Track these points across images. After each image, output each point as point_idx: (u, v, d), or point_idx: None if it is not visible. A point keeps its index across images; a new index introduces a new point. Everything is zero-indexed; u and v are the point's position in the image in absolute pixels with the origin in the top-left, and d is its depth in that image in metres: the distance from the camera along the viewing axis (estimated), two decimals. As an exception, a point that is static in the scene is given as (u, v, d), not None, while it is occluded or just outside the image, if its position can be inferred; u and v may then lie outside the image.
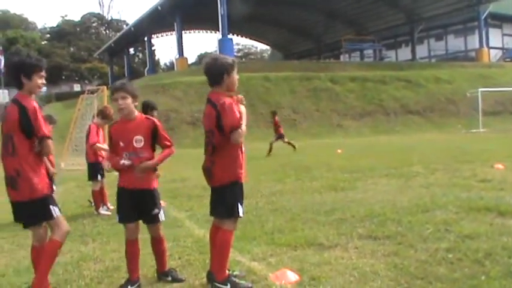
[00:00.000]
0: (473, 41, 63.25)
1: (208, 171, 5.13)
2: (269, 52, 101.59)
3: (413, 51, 66.30)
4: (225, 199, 5.05)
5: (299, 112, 36.53)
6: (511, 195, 8.85)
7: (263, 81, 39.03)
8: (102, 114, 10.06)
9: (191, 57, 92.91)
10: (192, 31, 75.24)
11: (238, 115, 4.93)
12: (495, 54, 66.05)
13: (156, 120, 5.35)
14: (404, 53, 70.09)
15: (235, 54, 75.33)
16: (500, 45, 69.70)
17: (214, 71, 5.03)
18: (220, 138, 4.95)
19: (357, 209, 8.36)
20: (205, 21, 60.41)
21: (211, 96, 5.08)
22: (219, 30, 50.77)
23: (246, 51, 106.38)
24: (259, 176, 13.77)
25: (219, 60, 5.04)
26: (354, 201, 9.21)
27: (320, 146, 25.51)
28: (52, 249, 4.92)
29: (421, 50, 69.08)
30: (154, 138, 5.23)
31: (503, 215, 7.39)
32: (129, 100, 5.11)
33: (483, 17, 59.04)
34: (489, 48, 61.80)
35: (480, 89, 34.44)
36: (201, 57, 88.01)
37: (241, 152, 5.14)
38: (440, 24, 66.65)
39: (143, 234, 5.33)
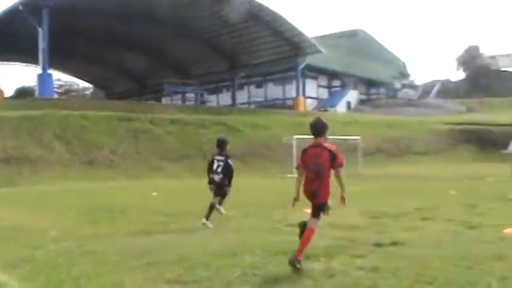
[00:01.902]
0: (291, 90, 66.30)
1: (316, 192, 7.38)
2: (91, 90, 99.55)
3: (233, 97, 67.91)
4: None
5: (118, 153, 35.89)
6: (315, 238, 9.23)
7: (81, 119, 37.95)
8: None
9: (8, 90, 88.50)
10: (10, 63, 71.75)
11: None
12: (311, 103, 69.60)
13: None
14: (225, 98, 71.69)
15: (56, 90, 72.83)
16: (315, 95, 73.73)
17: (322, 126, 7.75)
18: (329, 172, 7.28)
19: (168, 253, 8.28)
20: (25, 53, 57.96)
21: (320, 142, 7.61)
22: (39, 64, 48.94)
23: (67, 87, 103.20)
24: (72, 217, 13.32)
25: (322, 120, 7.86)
26: (166, 245, 9.11)
27: (138, 188, 25.18)
28: None
29: (242, 96, 71.08)
30: None
31: (308, 259, 7.65)
32: None
33: (300, 68, 62.05)
34: (305, 97, 65.05)
35: (295, 136, 35.83)
36: (19, 91, 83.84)
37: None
38: (261, 72, 69.10)
39: None
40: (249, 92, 73.84)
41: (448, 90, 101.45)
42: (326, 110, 66.23)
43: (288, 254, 7.85)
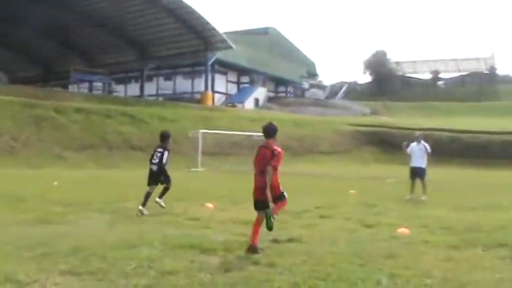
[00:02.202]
0: (200, 84, 66.08)
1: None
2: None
3: (141, 88, 67.01)
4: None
5: (19, 140, 34.69)
6: (215, 233, 9.30)
7: (-21, 104, 36.50)
8: None
9: None
10: None
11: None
12: (219, 98, 69.71)
13: None
14: (134, 89, 70.63)
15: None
16: (224, 91, 73.83)
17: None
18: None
19: (64, 244, 8.09)
20: None
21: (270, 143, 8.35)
22: None
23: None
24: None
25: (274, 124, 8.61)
26: (62, 236, 8.92)
27: (38, 177, 24.44)
28: None
29: (150, 88, 70.29)
30: None
31: (205, 252, 7.72)
32: None
33: (210, 63, 62.00)
34: (214, 92, 65.07)
35: (201, 130, 35.88)
36: None
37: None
38: (171, 64, 68.59)
39: None
40: (157, 84, 73.13)
41: (354, 92, 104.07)
42: (234, 106, 66.49)
43: (185, 248, 7.90)
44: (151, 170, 13.10)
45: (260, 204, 8.03)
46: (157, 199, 12.82)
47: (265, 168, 7.96)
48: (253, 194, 8.24)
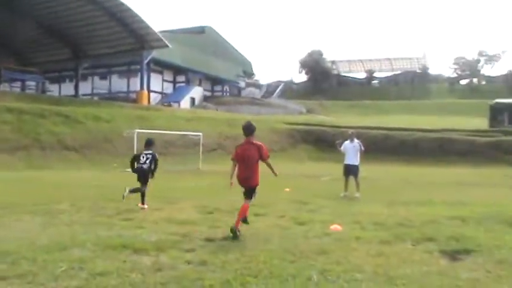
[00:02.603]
0: (136, 83, 65.52)
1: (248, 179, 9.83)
2: None
3: (76, 88, 65.94)
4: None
5: None
6: (148, 233, 9.24)
7: None
8: None
9: None
10: None
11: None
12: (155, 98, 69.27)
13: None
14: (68, 89, 69.59)
15: None
16: (160, 90, 73.45)
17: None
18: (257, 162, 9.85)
19: (-9, 247, 7.92)
20: None
21: (250, 140, 9.97)
22: None
23: None
24: None
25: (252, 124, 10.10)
26: (-11, 239, 8.72)
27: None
28: None
29: (85, 87, 69.37)
30: None
31: (137, 252, 7.66)
32: None
33: (146, 62, 61.47)
34: (149, 91, 64.59)
35: (137, 130, 35.50)
36: None
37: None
38: (106, 63, 67.77)
39: None
40: (92, 83, 72.38)
41: (290, 91, 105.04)
42: (170, 105, 66.23)
43: (118, 248, 7.83)
44: (141, 168, 14.04)
45: (251, 192, 9.89)
46: (127, 190, 13.67)
47: (254, 162, 9.82)
48: (243, 183, 9.87)
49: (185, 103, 72.15)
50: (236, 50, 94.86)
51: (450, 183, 26.19)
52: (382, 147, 50.58)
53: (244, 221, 9.75)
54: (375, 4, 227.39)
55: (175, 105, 68.32)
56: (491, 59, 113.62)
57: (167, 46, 60.22)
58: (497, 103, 64.69)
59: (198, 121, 50.87)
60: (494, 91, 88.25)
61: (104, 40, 61.57)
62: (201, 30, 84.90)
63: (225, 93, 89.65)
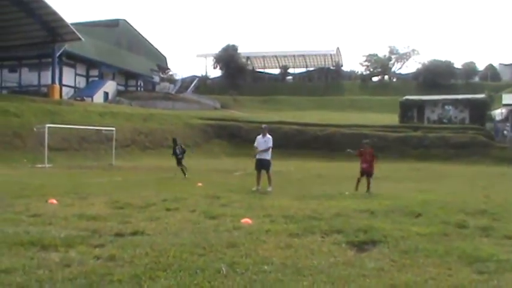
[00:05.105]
0: (47, 76, 63.70)
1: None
2: None
3: (-17, 80, 63.64)
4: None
5: None
6: (57, 228, 9.08)
7: None
8: None
9: None
10: None
11: None
12: (67, 92, 67.67)
13: None
14: (-25, 81, 67.15)
15: None
16: (72, 84, 71.77)
17: None
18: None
19: None
20: None
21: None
22: None
23: None
24: None
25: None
26: None
27: None
28: None
29: (-6, 81, 67.14)
30: None
31: (46, 249, 7.51)
32: None
33: (57, 55, 59.92)
34: (61, 85, 62.99)
35: (48, 125, 34.70)
36: None
37: None
38: (16, 56, 65.64)
39: None
40: (1, 76, 69.84)
41: (205, 86, 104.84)
42: (83, 100, 64.87)
43: (25, 245, 7.66)
44: (180, 158, 26.04)
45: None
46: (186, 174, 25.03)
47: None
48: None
49: (98, 98, 70.79)
50: (151, 44, 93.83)
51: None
52: (296, 142, 51.52)
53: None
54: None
55: (88, 99, 66.91)
56: (401, 57, 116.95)
57: (80, 39, 58.90)
58: (407, 100, 66.93)
59: (112, 116, 50.19)
60: (404, 88, 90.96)
61: (13, 32, 59.36)
62: (115, 24, 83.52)
63: (139, 88, 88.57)
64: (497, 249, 8.02)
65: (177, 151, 25.83)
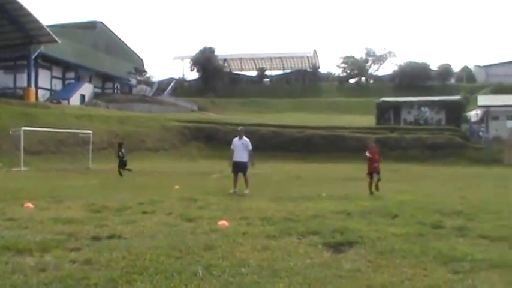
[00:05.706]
0: (23, 79, 63.19)
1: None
2: None
3: (-44, 84, 62.84)
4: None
5: None
6: (32, 233, 9.00)
7: None
8: None
9: None
10: None
11: None
12: (43, 95, 67.14)
13: None
14: None
15: None
16: (48, 87, 71.25)
17: None
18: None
19: None
20: None
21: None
22: None
23: None
24: None
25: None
26: None
27: None
28: None
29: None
30: None
31: (20, 253, 7.44)
32: None
33: (33, 57, 59.47)
34: (37, 88, 62.55)
35: (23, 128, 34.39)
36: None
37: None
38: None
39: None
40: (-25, 78, 69.08)
41: (182, 88, 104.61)
42: (59, 102, 64.38)
43: (1, 249, 7.59)
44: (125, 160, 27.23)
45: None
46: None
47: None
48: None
49: (75, 100, 70.37)
50: (128, 47, 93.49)
51: (339, 178, 27.06)
52: (274, 144, 51.57)
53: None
54: (265, 1, 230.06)
55: (64, 102, 66.44)
56: (378, 59, 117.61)
57: (56, 41, 58.57)
58: (383, 101, 67.34)
59: (89, 119, 49.91)
60: (381, 90, 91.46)
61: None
62: (92, 26, 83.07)
63: (115, 91, 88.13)
64: (472, 248, 8.11)
65: (120, 154, 27.42)
